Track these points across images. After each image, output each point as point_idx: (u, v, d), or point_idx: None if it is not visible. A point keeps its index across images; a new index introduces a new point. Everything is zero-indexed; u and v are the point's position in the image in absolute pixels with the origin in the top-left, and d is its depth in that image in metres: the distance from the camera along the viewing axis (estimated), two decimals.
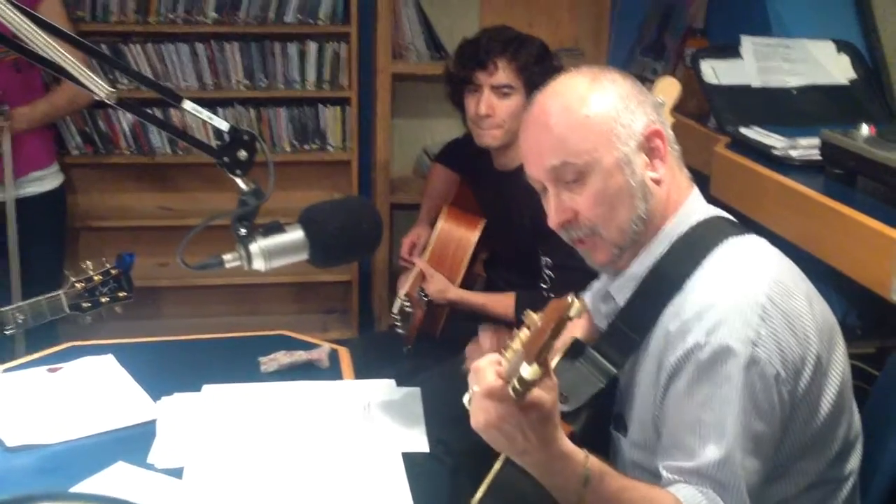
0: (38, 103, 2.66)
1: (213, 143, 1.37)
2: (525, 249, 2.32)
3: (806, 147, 2.09)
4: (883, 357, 1.99)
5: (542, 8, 3.54)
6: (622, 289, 1.36)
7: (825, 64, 2.59)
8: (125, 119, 3.31)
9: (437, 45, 3.36)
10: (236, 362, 1.82)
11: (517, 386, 0.98)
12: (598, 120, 1.29)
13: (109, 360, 1.79)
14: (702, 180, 2.26)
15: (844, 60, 2.58)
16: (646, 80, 3.28)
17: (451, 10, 3.46)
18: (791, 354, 1.20)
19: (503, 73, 2.26)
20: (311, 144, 3.47)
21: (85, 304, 1.81)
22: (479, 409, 1.05)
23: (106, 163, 3.39)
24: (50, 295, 1.78)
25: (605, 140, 1.29)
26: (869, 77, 2.55)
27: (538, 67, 2.27)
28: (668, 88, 1.94)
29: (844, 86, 2.53)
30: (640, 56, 3.45)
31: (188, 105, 1.29)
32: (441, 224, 2.47)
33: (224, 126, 1.34)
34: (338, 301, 3.74)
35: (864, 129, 1.89)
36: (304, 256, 1.40)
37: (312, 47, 3.33)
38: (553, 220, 1.35)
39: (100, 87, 1.21)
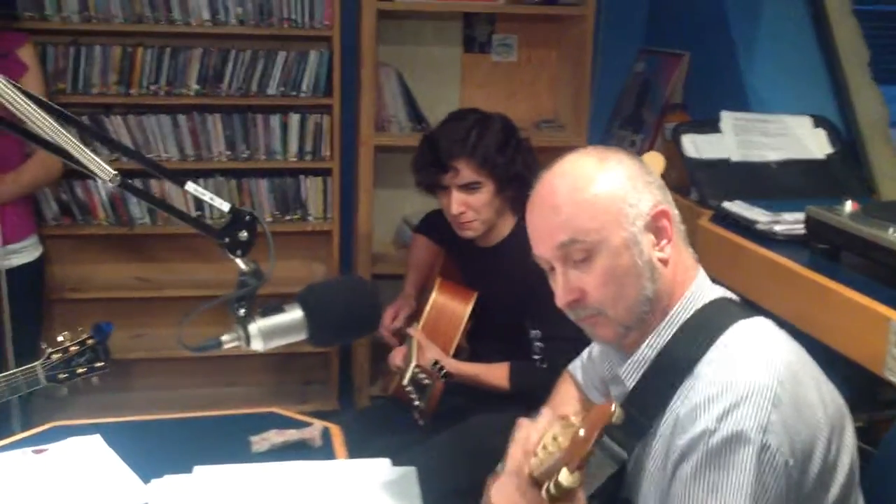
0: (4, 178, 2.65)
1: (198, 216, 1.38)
2: (511, 322, 2.34)
3: (789, 222, 2.15)
4: (873, 431, 2.02)
5: (522, 81, 3.62)
6: (631, 372, 1.37)
7: (803, 139, 2.66)
8: (104, 189, 3.31)
9: (419, 117, 3.42)
10: (226, 441, 1.80)
11: (553, 490, 1.00)
12: (605, 199, 1.32)
13: (96, 440, 1.77)
14: None
15: (822, 135, 2.66)
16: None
17: (432, 83, 3.53)
18: (801, 441, 1.21)
19: (466, 173, 2.29)
20: (293, 215, 3.49)
21: (61, 375, 1.80)
22: (505, 496, 1.06)
23: (83, 234, 3.38)
24: (26, 367, 1.77)
25: (612, 219, 1.32)
26: (846, 152, 2.63)
27: (501, 156, 2.29)
28: (654, 162, 2.00)
29: (822, 160, 2.61)
30: (618, 129, 3.53)
31: (190, 187, 1.30)
32: (434, 296, 2.49)
33: (225, 207, 1.35)
34: (317, 372, 3.72)
35: (848, 205, 1.94)
36: (302, 336, 1.40)
37: (295, 119, 3.36)
38: (561, 300, 1.37)
39: (104, 171, 1.22)
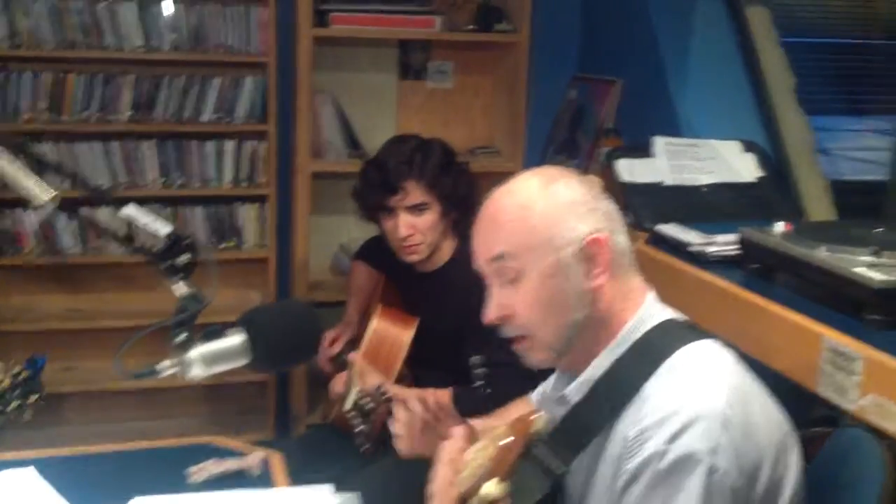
0: None
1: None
2: (453, 347, 2.34)
3: (721, 244, 2.20)
4: (808, 449, 2.06)
5: (457, 108, 3.66)
6: (576, 392, 1.38)
7: (733, 163, 2.73)
8: (34, 217, 3.25)
9: (355, 144, 3.42)
10: (163, 473, 1.77)
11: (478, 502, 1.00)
12: (541, 223, 1.34)
13: (31, 472, 1.72)
14: None
15: (751, 159, 2.72)
16: None
17: (368, 110, 3.54)
18: (749, 463, 1.23)
19: (415, 194, 2.32)
20: (228, 242, 3.46)
21: None
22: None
23: (11, 264, 3.30)
24: None
25: (544, 243, 1.34)
26: (775, 176, 2.70)
27: (446, 177, 2.33)
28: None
29: (752, 183, 2.67)
30: (553, 154, 3.58)
31: (132, 209, 1.29)
32: (375, 323, 2.48)
33: (165, 230, 1.34)
34: (253, 401, 3.68)
35: (780, 226, 1.99)
36: (244, 362, 1.39)
37: (230, 145, 3.35)
38: (488, 315, 1.39)
39: (44, 192, 1.21)
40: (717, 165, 2.73)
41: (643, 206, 2.59)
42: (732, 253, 2.15)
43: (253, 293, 3.58)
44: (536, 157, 3.62)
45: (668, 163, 2.73)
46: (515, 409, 1.75)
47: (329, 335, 2.65)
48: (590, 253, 1.35)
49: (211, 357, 1.36)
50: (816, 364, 1.62)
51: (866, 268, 1.64)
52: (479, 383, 2.29)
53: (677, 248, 2.28)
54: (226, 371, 1.39)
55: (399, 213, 2.32)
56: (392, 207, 2.34)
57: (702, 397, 1.25)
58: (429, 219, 2.32)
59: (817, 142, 3.11)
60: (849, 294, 1.65)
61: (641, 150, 2.75)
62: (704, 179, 2.68)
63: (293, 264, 3.38)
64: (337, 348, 2.61)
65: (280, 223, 3.43)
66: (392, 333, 2.47)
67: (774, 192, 2.66)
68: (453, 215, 2.35)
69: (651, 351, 1.34)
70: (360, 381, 2.26)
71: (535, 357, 1.41)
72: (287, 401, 3.55)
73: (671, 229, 2.38)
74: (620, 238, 1.41)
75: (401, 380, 2.51)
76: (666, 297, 2.24)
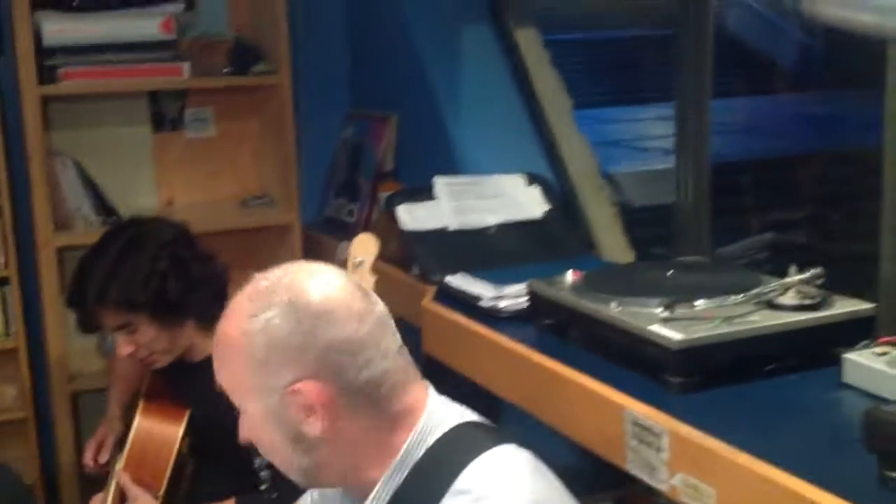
0: None
1: None
2: (232, 445, 2.10)
3: (513, 296, 2.06)
4: None
5: (222, 157, 3.40)
6: None
7: (518, 198, 2.63)
8: None
9: (108, 209, 3.10)
10: None
11: None
12: (250, 362, 1.19)
13: None
14: (415, 334, 2.20)
15: (536, 193, 2.63)
16: (344, 223, 3.23)
17: (121, 168, 3.23)
18: None
19: (111, 318, 2.13)
20: None
21: None
22: None
23: None
24: None
25: (253, 387, 1.20)
26: (561, 208, 2.62)
27: (145, 290, 2.11)
28: (366, 247, 1.84)
29: (539, 220, 2.57)
30: (334, 198, 3.39)
31: None
32: (137, 422, 2.21)
33: None
34: None
35: (569, 276, 1.88)
36: None
37: None
38: (240, 436, 1.28)
39: None
40: (501, 203, 2.62)
41: (428, 256, 2.44)
42: (525, 306, 2.02)
43: (6, 388, 3.17)
44: (316, 202, 3.42)
45: (451, 205, 2.59)
46: None
47: (92, 442, 2.38)
48: (301, 403, 1.18)
49: None
50: (622, 438, 1.49)
51: (661, 324, 1.53)
52: (264, 486, 2.08)
53: (467, 304, 2.14)
54: None
55: (111, 332, 2.11)
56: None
57: None
58: (145, 334, 2.12)
59: (605, 155, 3.09)
60: (646, 355, 1.54)
61: (422, 192, 2.60)
62: (491, 220, 2.56)
63: (47, 353, 3.01)
64: (104, 456, 2.33)
65: (28, 308, 3.06)
66: (158, 431, 2.21)
67: (563, 227, 2.58)
68: (179, 317, 2.14)
69: (437, 473, 1.18)
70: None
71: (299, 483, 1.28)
72: None
73: (460, 281, 2.23)
74: (364, 373, 1.19)
75: (181, 482, 2.25)
76: (458, 361, 2.10)
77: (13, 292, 3.03)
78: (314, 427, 1.18)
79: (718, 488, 1.29)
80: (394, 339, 1.24)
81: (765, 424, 1.40)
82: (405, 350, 1.26)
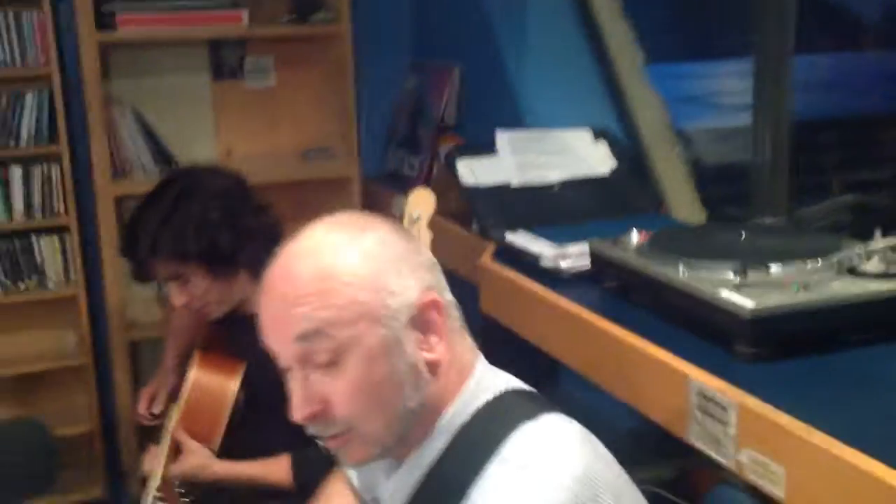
0: None
1: None
2: (287, 398, 2.08)
3: (576, 256, 1.98)
4: (687, 483, 1.89)
5: (282, 107, 3.35)
6: (393, 499, 1.16)
7: (583, 154, 2.54)
8: None
9: (167, 158, 3.09)
10: None
11: None
12: (361, 288, 1.08)
13: None
14: (472, 292, 2.15)
15: (602, 149, 2.54)
16: (404, 176, 3.17)
17: (180, 118, 3.21)
18: None
19: (162, 270, 2.09)
20: (28, 282, 3.08)
21: None
22: None
23: None
24: None
25: (369, 314, 1.08)
26: (630, 165, 2.52)
27: (197, 241, 2.06)
28: (423, 202, 1.77)
29: (605, 177, 2.48)
30: (395, 150, 3.33)
31: None
32: (193, 374, 2.19)
33: None
34: (76, 455, 3.31)
35: (634, 236, 1.79)
36: None
37: (16, 172, 2.97)
38: (298, 413, 1.11)
39: None
40: (566, 159, 2.53)
41: (489, 213, 2.37)
42: (588, 267, 1.94)
43: (67, 335, 3.21)
44: (377, 155, 3.37)
45: (513, 160, 2.52)
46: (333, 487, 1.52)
47: (145, 393, 2.38)
48: (425, 319, 1.12)
49: None
50: (686, 410, 1.42)
51: (732, 290, 1.44)
52: (319, 441, 2.05)
53: (528, 263, 2.06)
54: None
55: (165, 284, 2.07)
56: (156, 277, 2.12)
57: (541, 498, 1.03)
58: (198, 285, 2.08)
59: (685, 89, 2.95)
60: (716, 322, 1.46)
61: (484, 147, 2.53)
62: (554, 176, 2.48)
63: (106, 302, 3.03)
64: (157, 407, 2.33)
65: (87, 255, 3.07)
66: (215, 384, 2.19)
67: (631, 184, 2.48)
68: (232, 267, 2.11)
69: (481, 440, 1.11)
70: (169, 464, 1.99)
71: (353, 456, 1.16)
72: (116, 454, 3.21)
73: (520, 239, 2.16)
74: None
75: (235, 427, 2.25)
76: (518, 323, 2.04)
77: (72, 240, 3.05)
78: (435, 351, 1.12)
79: (789, 468, 1.21)
80: None
81: (842, 401, 1.31)
82: None
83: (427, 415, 1.13)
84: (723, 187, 2.80)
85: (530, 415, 1.13)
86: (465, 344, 1.20)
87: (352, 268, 1.09)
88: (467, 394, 1.15)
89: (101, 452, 3.23)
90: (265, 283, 1.15)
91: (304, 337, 1.08)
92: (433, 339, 1.12)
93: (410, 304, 1.10)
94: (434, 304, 1.12)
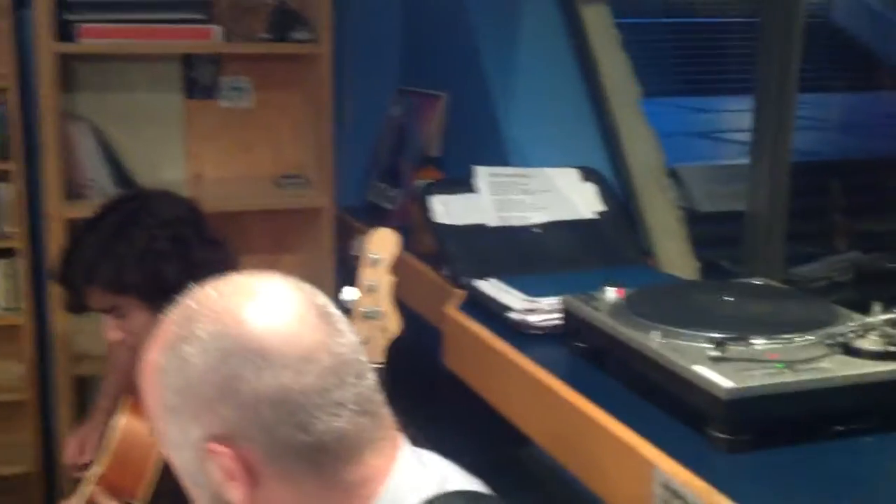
0: None
1: None
2: None
3: (548, 310, 1.83)
4: None
5: (260, 129, 3.20)
6: None
7: (570, 195, 2.39)
8: None
9: (128, 180, 2.94)
10: None
11: None
12: (152, 404, 1.00)
13: None
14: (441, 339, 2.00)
15: (591, 191, 2.40)
16: (383, 209, 3.02)
17: (148, 137, 3.06)
18: None
19: (98, 299, 1.94)
20: None
21: None
22: None
23: None
24: None
25: (161, 434, 1.00)
26: (618, 209, 2.38)
27: (139, 271, 1.91)
28: (385, 243, 1.62)
29: (592, 221, 2.33)
30: (376, 181, 3.19)
31: None
32: (121, 420, 2.03)
33: None
34: (15, 499, 3.14)
35: (609, 294, 1.64)
36: None
37: None
38: None
39: None
40: (550, 200, 2.39)
41: (460, 255, 2.23)
42: (559, 323, 1.79)
43: (12, 365, 3.04)
44: (354, 183, 3.22)
45: (492, 199, 2.37)
46: None
47: (73, 440, 2.23)
48: (217, 463, 0.94)
49: None
50: (650, 502, 1.25)
51: (709, 365, 1.28)
52: None
53: (496, 316, 1.91)
54: None
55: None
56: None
57: None
58: (136, 319, 1.91)
59: (686, 124, 2.82)
60: (690, 401, 1.30)
61: (462, 183, 2.38)
62: (536, 218, 2.33)
63: (53, 332, 2.87)
64: (88, 456, 2.17)
65: (36, 281, 2.92)
66: (143, 431, 2.04)
67: (618, 231, 2.34)
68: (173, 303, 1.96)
69: None
70: None
71: None
72: (56, 498, 3.03)
73: (490, 288, 2.00)
74: (286, 435, 0.93)
75: (166, 477, 2.08)
76: (482, 383, 1.88)
77: (22, 265, 2.90)
78: (235, 494, 0.94)
79: None
80: (355, 385, 0.96)
81: (831, 500, 1.16)
82: (377, 396, 0.99)
83: None
84: (718, 230, 2.65)
85: None
86: (367, 458, 0.96)
87: (158, 380, 0.99)
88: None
89: (41, 496, 3.06)
90: None
91: None
92: (233, 483, 0.95)
93: (191, 444, 0.96)
94: (218, 454, 0.94)
